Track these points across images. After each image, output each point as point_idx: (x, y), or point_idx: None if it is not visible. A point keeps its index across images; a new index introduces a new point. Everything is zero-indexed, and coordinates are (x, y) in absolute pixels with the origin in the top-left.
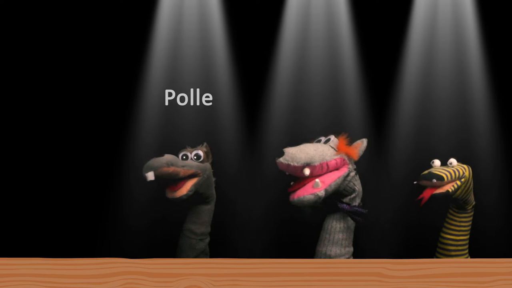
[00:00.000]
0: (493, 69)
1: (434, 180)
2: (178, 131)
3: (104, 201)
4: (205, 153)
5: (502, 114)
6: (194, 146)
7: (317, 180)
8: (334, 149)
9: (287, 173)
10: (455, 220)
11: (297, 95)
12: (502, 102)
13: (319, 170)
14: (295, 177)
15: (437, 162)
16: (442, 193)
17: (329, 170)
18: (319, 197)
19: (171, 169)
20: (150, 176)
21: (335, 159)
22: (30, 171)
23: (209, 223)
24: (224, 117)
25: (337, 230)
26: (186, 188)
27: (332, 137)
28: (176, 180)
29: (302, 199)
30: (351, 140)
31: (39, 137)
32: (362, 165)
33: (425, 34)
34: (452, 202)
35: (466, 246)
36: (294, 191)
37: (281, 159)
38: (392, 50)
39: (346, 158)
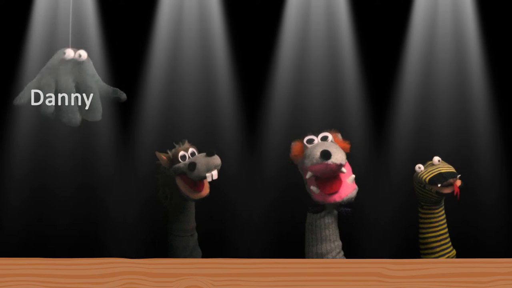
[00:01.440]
0: (493, 69)
1: (459, 175)
2: (178, 131)
3: (104, 201)
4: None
5: (502, 114)
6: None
7: (353, 175)
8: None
9: (308, 176)
10: (433, 217)
11: (297, 95)
12: (502, 102)
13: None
14: (300, 177)
15: (422, 167)
16: (462, 185)
17: None
18: (357, 191)
19: None
20: (215, 175)
21: None
22: (30, 171)
23: (194, 216)
24: (224, 117)
25: (322, 227)
26: (207, 187)
27: (330, 135)
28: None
29: (351, 197)
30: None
31: (39, 137)
32: (362, 165)
33: (425, 34)
34: (433, 199)
35: (448, 240)
36: (334, 192)
37: (334, 160)
38: (392, 50)
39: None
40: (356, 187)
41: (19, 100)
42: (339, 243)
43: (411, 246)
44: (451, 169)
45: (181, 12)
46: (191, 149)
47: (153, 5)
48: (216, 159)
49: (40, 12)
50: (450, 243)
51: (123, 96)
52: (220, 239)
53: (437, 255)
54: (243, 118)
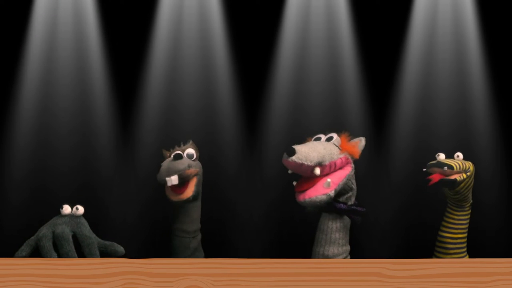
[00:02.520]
0: (493, 69)
1: (446, 168)
2: (178, 131)
3: (104, 201)
4: (196, 150)
5: (502, 114)
6: (181, 145)
7: (328, 179)
8: (339, 148)
9: (289, 172)
10: (453, 218)
11: (297, 95)
12: (502, 102)
13: (328, 169)
14: (297, 176)
15: (442, 156)
16: (451, 180)
17: (335, 169)
18: (330, 197)
19: (191, 171)
20: (175, 180)
21: (340, 158)
22: (30, 171)
23: (199, 219)
24: (224, 117)
25: (334, 229)
26: (190, 190)
27: (335, 136)
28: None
29: (315, 200)
30: (352, 139)
31: (39, 137)
32: (362, 165)
33: (425, 34)
34: (451, 198)
35: (465, 245)
36: (303, 191)
37: (294, 158)
38: (392, 50)
39: (349, 157)
40: (328, 192)
41: (20, 253)
42: (347, 248)
43: (411, 246)
44: (452, 163)
45: (181, 12)
46: (187, 150)
47: (153, 5)
48: (179, 164)
49: (40, 12)
50: (465, 248)
51: (120, 249)
52: (220, 239)
53: (449, 256)
54: (243, 118)
